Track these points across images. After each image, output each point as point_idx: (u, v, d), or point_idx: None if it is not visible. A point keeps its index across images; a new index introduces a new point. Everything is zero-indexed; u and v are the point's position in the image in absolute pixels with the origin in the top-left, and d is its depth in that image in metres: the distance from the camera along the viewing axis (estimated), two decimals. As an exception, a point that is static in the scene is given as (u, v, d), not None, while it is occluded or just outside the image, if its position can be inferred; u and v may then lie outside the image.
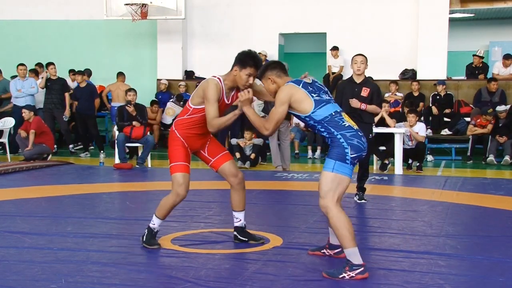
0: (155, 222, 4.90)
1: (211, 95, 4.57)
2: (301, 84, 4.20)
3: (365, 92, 7.04)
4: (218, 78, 4.75)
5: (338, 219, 3.99)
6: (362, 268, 3.96)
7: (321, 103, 4.14)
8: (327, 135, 4.15)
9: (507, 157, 11.43)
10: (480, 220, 6.44)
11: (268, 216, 6.30)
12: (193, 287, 3.91)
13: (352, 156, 4.03)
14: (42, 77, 12.76)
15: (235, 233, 5.04)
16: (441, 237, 5.43)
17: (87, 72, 13.00)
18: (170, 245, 4.99)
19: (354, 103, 6.97)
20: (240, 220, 5.06)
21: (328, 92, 4.36)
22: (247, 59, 4.68)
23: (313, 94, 4.16)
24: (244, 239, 5.05)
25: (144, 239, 4.89)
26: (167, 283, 4.00)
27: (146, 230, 4.92)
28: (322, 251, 4.66)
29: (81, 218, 6.27)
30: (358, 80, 7.15)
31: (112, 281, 4.02)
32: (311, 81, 4.29)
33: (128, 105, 10.74)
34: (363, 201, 7.12)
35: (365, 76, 7.23)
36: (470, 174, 10.19)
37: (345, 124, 4.10)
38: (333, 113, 4.14)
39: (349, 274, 3.94)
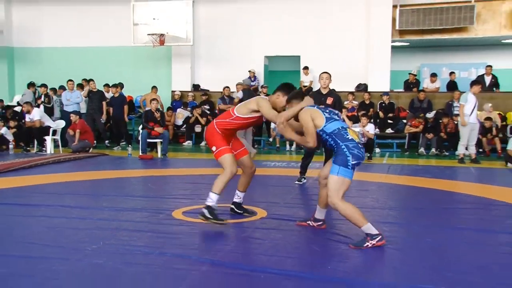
0: (213, 199, 4.50)
1: (267, 105, 4.53)
2: (315, 106, 4.26)
3: (329, 100, 7.03)
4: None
5: (346, 210, 3.95)
6: (380, 236, 3.91)
7: (330, 119, 4.11)
8: (334, 145, 4.09)
9: (433, 149, 11.52)
10: (414, 196, 6.48)
11: (256, 195, 6.29)
12: (200, 248, 3.91)
13: (353, 162, 3.97)
14: (85, 90, 12.90)
15: (232, 206, 5.03)
16: (385, 209, 5.45)
17: (120, 85, 12.96)
18: (181, 216, 4.98)
19: None
20: (240, 198, 5.06)
21: (338, 114, 4.30)
22: (290, 90, 4.55)
23: (325, 113, 4.16)
24: (240, 212, 5.04)
25: (211, 217, 4.43)
26: (180, 245, 3.98)
27: (206, 209, 4.47)
28: (307, 222, 4.62)
29: (114, 196, 6.24)
30: (324, 91, 7.13)
31: (138, 243, 4.01)
32: (322, 107, 4.37)
33: (156, 111, 10.82)
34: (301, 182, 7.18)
35: (329, 88, 7.21)
36: (407, 162, 10.23)
37: (349, 137, 4.03)
38: (340, 128, 4.08)
39: (372, 243, 3.89)
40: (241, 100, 10.88)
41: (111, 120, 12.94)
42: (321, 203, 4.46)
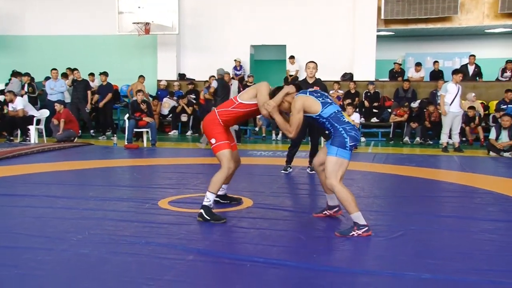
0: (210, 198, 4.36)
1: (265, 91, 4.43)
2: (308, 93, 4.21)
3: (315, 89, 7.04)
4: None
5: (342, 192, 3.95)
6: (367, 228, 3.92)
7: (326, 104, 4.12)
8: (331, 128, 4.08)
9: (417, 138, 11.60)
10: (399, 185, 6.53)
11: (242, 184, 6.29)
12: (186, 237, 3.90)
13: (350, 144, 4.00)
14: (69, 79, 12.79)
15: (217, 198, 4.95)
16: (370, 197, 5.48)
17: (105, 74, 12.89)
18: (167, 206, 4.96)
19: None
20: (224, 190, 5.02)
21: (329, 96, 4.31)
22: (298, 89, 4.48)
23: (319, 99, 4.15)
24: (226, 201, 5.04)
25: (209, 217, 4.30)
26: (165, 235, 3.98)
27: (203, 210, 4.34)
28: (324, 212, 4.58)
29: (99, 185, 6.21)
30: (310, 81, 7.11)
31: (124, 233, 4.00)
32: (314, 90, 4.37)
33: (143, 103, 10.77)
34: (313, 172, 7.14)
35: (316, 77, 7.19)
36: (391, 151, 10.30)
37: (345, 120, 4.08)
38: (336, 111, 4.11)
39: (358, 232, 3.90)
40: (215, 90, 10.78)
41: (98, 109, 12.85)
42: (326, 189, 4.42)
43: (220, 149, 4.44)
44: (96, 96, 12.89)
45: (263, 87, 4.47)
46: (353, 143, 4.03)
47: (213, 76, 11.60)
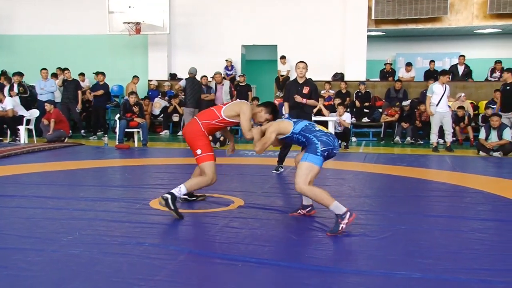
0: (181, 192, 4.48)
1: (248, 115, 4.60)
2: (285, 118, 4.53)
3: (306, 90, 7.05)
4: None
5: (311, 192, 4.02)
6: (348, 213, 3.95)
7: (296, 122, 4.31)
8: (304, 140, 4.20)
9: (408, 138, 11.68)
10: (390, 185, 6.56)
11: (234, 184, 6.30)
12: (177, 237, 3.90)
13: (322, 149, 4.06)
14: (59, 79, 12.73)
15: (184, 197, 4.95)
16: (361, 197, 5.50)
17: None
18: (159, 206, 4.93)
19: (298, 98, 7.01)
20: None
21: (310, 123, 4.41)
22: (275, 112, 4.65)
23: (292, 120, 4.40)
24: (192, 199, 5.18)
25: (173, 207, 4.35)
26: (156, 234, 3.97)
27: (170, 196, 4.36)
28: (298, 211, 4.64)
29: (90, 186, 6.18)
30: (300, 81, 7.13)
31: (115, 234, 3.98)
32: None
33: (135, 106, 10.75)
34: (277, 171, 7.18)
35: (306, 77, 7.20)
36: (382, 151, 10.34)
37: (316, 129, 4.20)
38: (307, 124, 4.27)
39: (344, 222, 3.92)
40: (184, 89, 10.72)
41: (89, 109, 12.81)
42: None
43: (205, 160, 4.64)
44: (87, 95, 12.87)
45: (247, 110, 4.59)
46: (325, 148, 4.07)
47: (205, 76, 11.60)
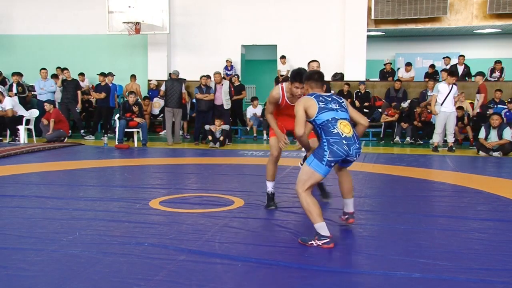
0: (268, 186, 4.94)
1: (269, 97, 4.77)
2: (313, 96, 3.91)
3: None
4: (282, 86, 4.73)
5: (304, 200, 3.76)
6: (328, 240, 3.69)
7: (323, 109, 3.81)
8: (320, 137, 3.85)
9: (408, 138, 11.67)
10: (389, 185, 6.56)
11: (234, 184, 6.30)
12: (177, 237, 3.90)
13: (329, 159, 3.71)
14: (59, 79, 12.73)
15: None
16: (361, 197, 5.50)
17: (108, 75, 12.84)
18: (158, 206, 4.95)
19: None
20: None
21: (340, 102, 3.94)
22: (295, 76, 4.45)
23: (320, 103, 3.84)
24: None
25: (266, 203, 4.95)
26: (157, 235, 3.97)
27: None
28: (341, 217, 4.39)
29: (90, 186, 6.19)
30: None
31: (114, 233, 3.98)
32: (326, 94, 3.99)
33: (134, 105, 10.78)
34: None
35: None
36: (382, 151, 10.34)
37: (334, 131, 3.74)
38: (330, 119, 3.78)
39: (317, 243, 3.70)
40: (165, 91, 11.16)
41: (96, 109, 12.84)
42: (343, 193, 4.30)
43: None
44: (93, 96, 12.91)
45: (270, 95, 4.77)
46: (332, 158, 3.71)
47: (204, 76, 11.60)
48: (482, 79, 11.34)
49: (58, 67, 13.59)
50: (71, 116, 12.59)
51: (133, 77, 13.70)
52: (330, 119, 3.79)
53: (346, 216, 4.24)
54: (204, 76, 11.58)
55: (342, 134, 3.75)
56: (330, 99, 3.93)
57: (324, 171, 3.78)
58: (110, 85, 12.69)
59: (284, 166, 7.34)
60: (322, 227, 3.72)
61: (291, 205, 5.01)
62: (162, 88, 11.47)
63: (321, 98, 3.91)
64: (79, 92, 12.54)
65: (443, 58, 13.72)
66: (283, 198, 5.37)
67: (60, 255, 3.46)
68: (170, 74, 14.16)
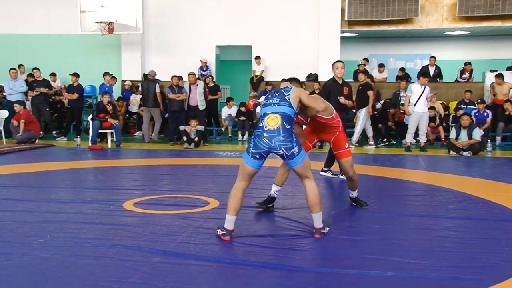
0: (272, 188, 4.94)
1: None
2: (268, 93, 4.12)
3: (345, 90, 6.89)
4: None
5: (230, 194, 3.95)
6: (226, 232, 3.82)
7: (264, 105, 3.98)
8: None
9: (381, 138, 11.80)
10: (363, 184, 6.56)
11: (208, 185, 6.27)
12: (151, 239, 3.86)
13: (252, 151, 3.82)
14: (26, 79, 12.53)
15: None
16: (335, 197, 5.56)
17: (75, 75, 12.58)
18: (132, 208, 4.90)
19: (342, 100, 6.82)
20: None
21: (286, 96, 3.93)
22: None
23: (265, 99, 4.02)
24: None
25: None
26: (131, 237, 3.93)
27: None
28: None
29: (62, 188, 6.08)
30: (339, 81, 6.92)
31: (87, 236, 3.93)
32: (279, 89, 4.08)
33: (108, 104, 10.68)
34: (336, 176, 6.94)
35: (342, 78, 7.03)
36: (356, 151, 10.41)
37: (260, 124, 3.87)
38: (263, 114, 3.91)
39: (217, 232, 3.90)
40: (141, 91, 11.58)
41: (69, 110, 12.62)
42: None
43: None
44: (65, 96, 12.69)
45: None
46: (255, 151, 3.80)
47: (175, 77, 11.55)
48: (319, 84, 11.53)
49: (36, 68, 13.07)
50: (42, 117, 12.35)
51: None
52: (263, 114, 3.92)
53: (314, 230, 4.02)
54: (175, 76, 11.53)
55: (266, 127, 3.81)
56: (278, 93, 4.01)
57: (251, 162, 3.87)
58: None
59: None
60: (228, 220, 3.85)
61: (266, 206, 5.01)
62: (140, 88, 11.99)
63: (269, 94, 4.09)
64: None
65: (430, 58, 13.86)
66: (258, 199, 5.38)
67: (30, 259, 3.39)
68: (146, 74, 14.09)
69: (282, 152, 3.80)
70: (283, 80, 5.85)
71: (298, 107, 4.02)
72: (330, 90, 6.96)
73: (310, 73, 13.98)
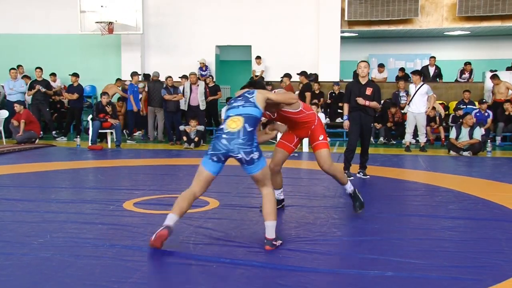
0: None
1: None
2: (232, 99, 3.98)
3: (369, 91, 6.70)
4: None
5: (181, 194, 3.79)
6: (162, 228, 3.57)
7: (228, 109, 3.88)
8: None
9: (381, 138, 11.81)
10: (363, 184, 6.61)
11: (208, 184, 6.25)
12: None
13: (211, 152, 3.67)
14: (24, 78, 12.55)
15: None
16: (336, 197, 5.54)
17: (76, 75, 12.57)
18: (132, 208, 4.89)
19: (360, 101, 6.70)
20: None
21: (250, 99, 3.82)
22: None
23: (230, 103, 3.93)
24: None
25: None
26: (131, 237, 3.92)
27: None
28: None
29: (62, 188, 6.08)
30: (363, 81, 6.76)
31: (87, 236, 3.92)
32: (243, 92, 3.97)
33: (107, 106, 10.72)
34: (366, 176, 6.90)
35: (368, 78, 6.87)
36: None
37: (221, 126, 3.75)
38: (226, 117, 3.79)
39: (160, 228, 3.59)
40: (148, 92, 12.00)
41: (69, 110, 12.61)
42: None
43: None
44: (65, 96, 12.69)
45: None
46: (213, 152, 3.66)
47: (170, 77, 11.58)
48: (289, 80, 11.54)
49: (38, 67, 13.05)
50: (42, 117, 12.35)
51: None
52: (226, 117, 3.79)
53: (265, 241, 3.70)
54: (169, 76, 11.56)
55: (226, 129, 3.68)
56: (241, 97, 3.90)
57: (208, 165, 3.69)
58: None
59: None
60: (169, 217, 3.64)
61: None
62: (140, 86, 12.31)
63: (232, 100, 3.96)
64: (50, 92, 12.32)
65: (430, 58, 13.85)
66: (259, 199, 5.37)
67: (30, 259, 3.39)
68: (146, 75, 14.09)
69: (240, 156, 3.61)
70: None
71: (264, 107, 3.92)
72: (351, 90, 6.87)
73: (310, 73, 13.97)
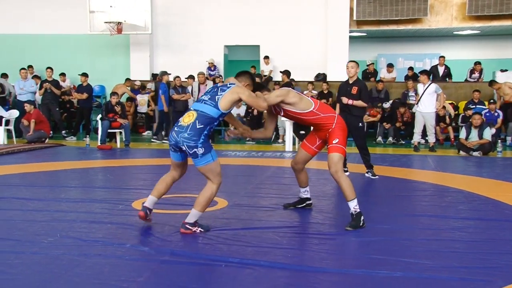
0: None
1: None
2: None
3: (354, 90, 6.77)
4: None
5: (161, 177, 4.29)
6: (142, 207, 4.18)
7: (196, 100, 4.13)
8: None
9: (390, 138, 11.77)
10: (372, 184, 6.60)
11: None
12: (160, 238, 3.87)
13: (169, 143, 4.07)
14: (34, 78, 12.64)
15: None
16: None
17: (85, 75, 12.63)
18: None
19: (344, 100, 6.79)
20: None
21: (216, 97, 3.90)
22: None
23: (201, 99, 4.01)
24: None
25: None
26: (139, 235, 3.94)
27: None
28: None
29: (72, 187, 6.12)
30: (350, 81, 6.87)
31: (97, 235, 3.94)
32: (215, 85, 4.17)
33: (117, 105, 10.78)
34: (375, 177, 6.87)
35: (357, 77, 6.90)
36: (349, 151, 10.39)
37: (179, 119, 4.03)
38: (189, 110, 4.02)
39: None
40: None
41: (78, 110, 12.69)
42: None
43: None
44: (74, 96, 12.77)
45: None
46: (169, 143, 4.07)
47: (178, 77, 11.63)
48: (287, 78, 11.54)
49: (49, 67, 13.13)
50: (52, 116, 12.44)
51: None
52: (189, 109, 4.03)
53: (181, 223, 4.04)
54: (177, 76, 11.59)
55: (179, 122, 3.93)
56: (214, 90, 4.01)
57: (171, 154, 4.11)
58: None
59: (269, 166, 7.34)
60: (149, 199, 4.18)
61: (274, 206, 5.01)
62: (149, 86, 12.54)
63: (209, 88, 4.14)
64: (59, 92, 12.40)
65: (439, 57, 13.78)
66: (266, 199, 5.38)
67: (40, 257, 3.41)
68: (154, 74, 14.13)
69: (184, 148, 3.86)
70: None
71: (231, 108, 3.97)
72: (340, 90, 7.03)
73: (319, 73, 13.96)
